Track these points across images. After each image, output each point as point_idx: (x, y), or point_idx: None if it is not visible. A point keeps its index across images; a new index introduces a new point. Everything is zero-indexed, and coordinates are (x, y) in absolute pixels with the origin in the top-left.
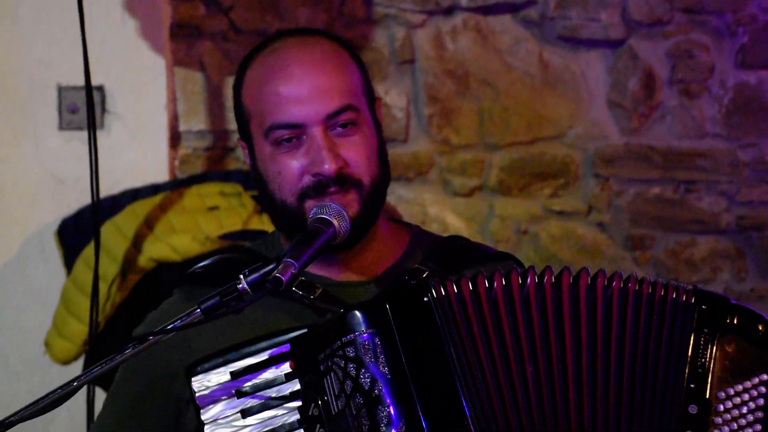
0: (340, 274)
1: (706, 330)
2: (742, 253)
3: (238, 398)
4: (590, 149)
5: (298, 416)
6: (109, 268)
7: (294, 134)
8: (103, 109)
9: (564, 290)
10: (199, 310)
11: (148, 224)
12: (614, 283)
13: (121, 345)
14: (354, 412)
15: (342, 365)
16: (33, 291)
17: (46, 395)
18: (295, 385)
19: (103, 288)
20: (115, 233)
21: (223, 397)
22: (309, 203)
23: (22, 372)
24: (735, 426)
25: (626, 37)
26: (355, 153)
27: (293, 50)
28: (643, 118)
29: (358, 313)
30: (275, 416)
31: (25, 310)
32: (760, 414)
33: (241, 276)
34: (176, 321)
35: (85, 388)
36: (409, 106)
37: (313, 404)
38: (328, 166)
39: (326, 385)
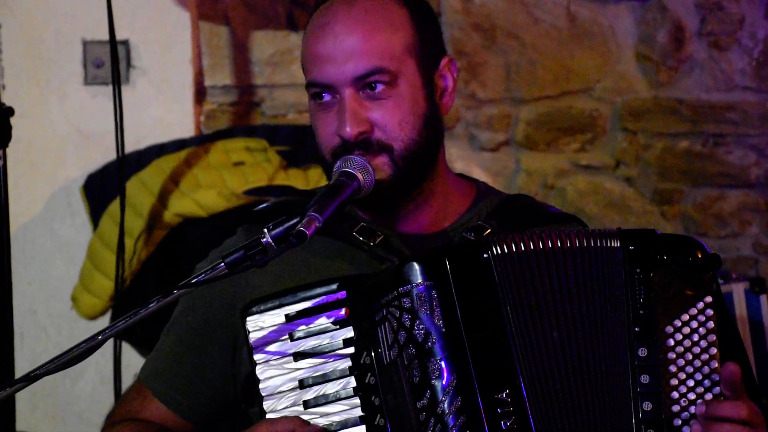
0: (403, 226)
1: (638, 270)
2: None
3: (291, 341)
4: (618, 103)
5: (349, 363)
6: (135, 224)
7: (328, 93)
8: (128, 64)
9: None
10: (222, 264)
11: (174, 179)
12: (549, 244)
13: (148, 298)
14: (405, 363)
15: (397, 315)
16: (60, 245)
17: (71, 349)
18: (349, 332)
19: (129, 243)
20: (141, 188)
21: (277, 339)
22: (339, 162)
23: (49, 326)
24: (690, 356)
25: None
26: (384, 117)
27: (337, 8)
28: (672, 71)
29: (416, 265)
30: (327, 362)
31: (52, 265)
32: (713, 337)
33: (265, 230)
34: (200, 275)
35: (111, 342)
36: None
37: (365, 352)
38: (349, 130)
39: (380, 334)
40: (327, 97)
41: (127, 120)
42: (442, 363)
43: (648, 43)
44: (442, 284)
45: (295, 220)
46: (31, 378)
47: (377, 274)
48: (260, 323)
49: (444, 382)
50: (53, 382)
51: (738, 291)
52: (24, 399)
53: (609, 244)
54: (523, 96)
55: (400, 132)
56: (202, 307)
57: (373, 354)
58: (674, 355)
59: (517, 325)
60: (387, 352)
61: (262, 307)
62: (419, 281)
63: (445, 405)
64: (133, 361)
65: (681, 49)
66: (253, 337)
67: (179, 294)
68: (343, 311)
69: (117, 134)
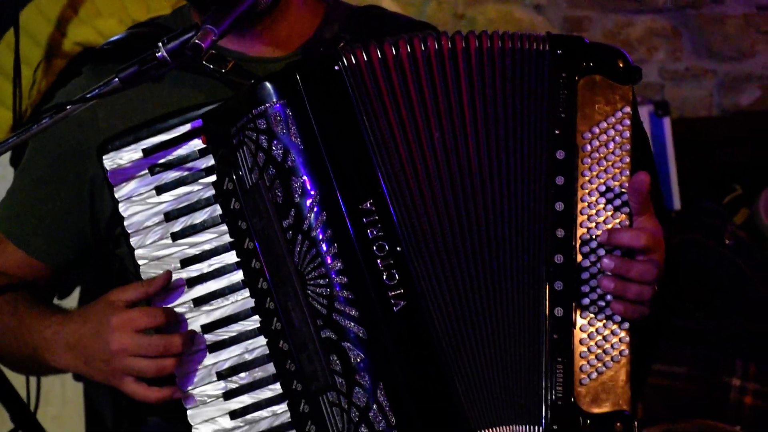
0: (254, 49)
1: (564, 74)
2: (677, 32)
3: (151, 175)
4: None
5: (212, 191)
6: (33, 53)
7: None
8: None
9: (445, 56)
10: (117, 79)
11: (73, 7)
12: (472, 44)
13: (39, 116)
14: (268, 184)
15: (254, 138)
16: None
17: None
18: (209, 161)
19: (27, 73)
20: (38, 16)
21: (137, 175)
22: None
23: None
24: (605, 163)
25: None
26: None
27: None
28: None
29: (268, 84)
30: (190, 192)
31: None
32: (627, 146)
33: (160, 44)
34: (94, 90)
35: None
36: None
37: (227, 178)
38: None
39: (239, 158)
40: None
41: None
42: (304, 178)
43: None
44: (296, 101)
45: (190, 34)
46: None
47: (231, 99)
48: (117, 160)
49: (307, 199)
50: None
51: (643, 114)
52: None
53: (538, 47)
54: None
55: None
56: (52, 151)
57: (235, 179)
58: (589, 161)
59: (376, 135)
60: (248, 176)
61: (117, 144)
62: (273, 101)
63: (311, 220)
64: None
65: None
66: (112, 174)
67: (72, 110)
68: (200, 140)
69: None
